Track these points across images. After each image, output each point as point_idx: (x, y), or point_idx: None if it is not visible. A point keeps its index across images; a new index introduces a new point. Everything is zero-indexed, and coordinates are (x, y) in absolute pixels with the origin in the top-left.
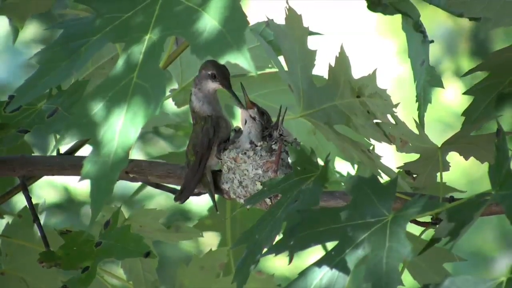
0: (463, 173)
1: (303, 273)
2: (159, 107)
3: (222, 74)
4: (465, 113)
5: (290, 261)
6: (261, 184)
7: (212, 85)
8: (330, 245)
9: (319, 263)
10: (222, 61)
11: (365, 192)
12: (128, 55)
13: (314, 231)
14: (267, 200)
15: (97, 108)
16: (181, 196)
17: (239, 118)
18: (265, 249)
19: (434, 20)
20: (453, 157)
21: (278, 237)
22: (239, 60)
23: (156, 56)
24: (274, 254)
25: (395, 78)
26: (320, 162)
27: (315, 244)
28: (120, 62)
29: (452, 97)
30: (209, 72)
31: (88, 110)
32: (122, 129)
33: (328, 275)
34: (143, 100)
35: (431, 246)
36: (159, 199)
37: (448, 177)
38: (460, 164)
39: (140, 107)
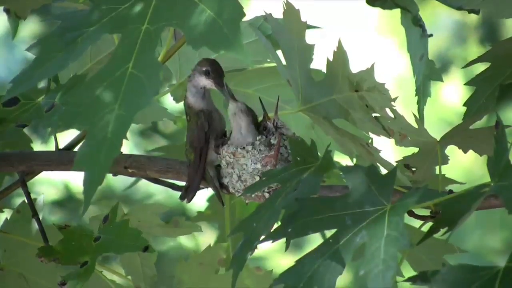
0: (463, 172)
1: (300, 261)
2: (154, 96)
3: (216, 71)
4: (467, 103)
5: (287, 248)
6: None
7: (205, 82)
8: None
9: (316, 251)
10: (217, 52)
11: (364, 182)
12: (124, 45)
13: (312, 219)
14: (266, 195)
15: (92, 97)
16: (186, 194)
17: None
18: (262, 237)
19: (443, 11)
20: (454, 156)
21: (276, 226)
22: (234, 50)
23: (152, 46)
24: (271, 241)
25: (396, 77)
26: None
27: (312, 232)
28: (116, 53)
29: (454, 97)
30: (204, 69)
31: (84, 99)
32: (116, 118)
33: (325, 263)
34: (138, 90)
35: (430, 237)
36: (158, 198)
37: (448, 175)
38: (461, 163)
39: (134, 97)
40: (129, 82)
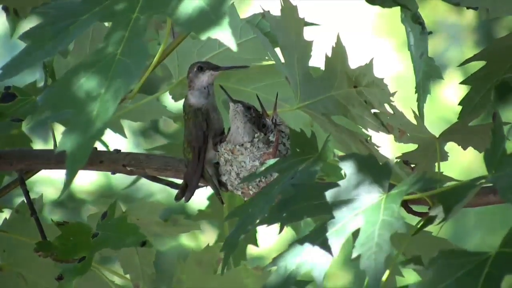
0: (462, 172)
1: (294, 244)
2: (138, 80)
3: (207, 63)
4: (462, 102)
5: (280, 231)
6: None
7: (203, 77)
8: None
9: (311, 235)
10: (204, 37)
11: (361, 170)
12: (114, 33)
13: (307, 204)
14: None
15: (79, 81)
16: (184, 194)
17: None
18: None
19: (440, 14)
20: (452, 156)
21: None
22: (220, 35)
23: (141, 33)
24: (266, 225)
25: (394, 78)
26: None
27: (307, 217)
28: (106, 40)
29: (452, 98)
30: (195, 68)
31: (71, 83)
32: (101, 101)
33: (319, 247)
34: (124, 75)
35: (426, 226)
36: (158, 198)
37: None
38: (459, 163)
39: (120, 81)
40: (116, 68)
